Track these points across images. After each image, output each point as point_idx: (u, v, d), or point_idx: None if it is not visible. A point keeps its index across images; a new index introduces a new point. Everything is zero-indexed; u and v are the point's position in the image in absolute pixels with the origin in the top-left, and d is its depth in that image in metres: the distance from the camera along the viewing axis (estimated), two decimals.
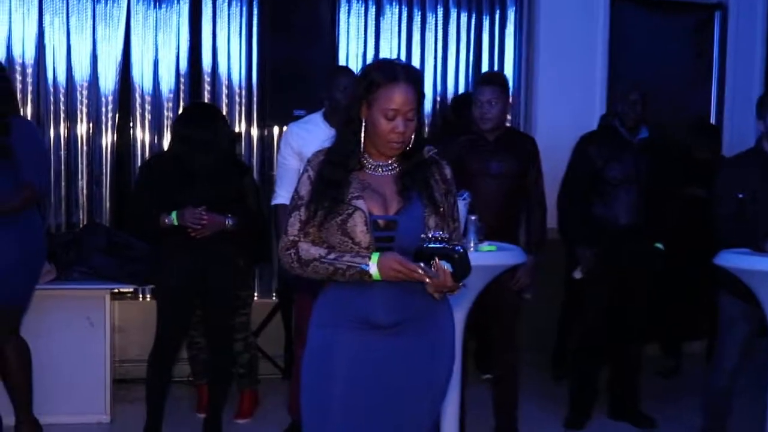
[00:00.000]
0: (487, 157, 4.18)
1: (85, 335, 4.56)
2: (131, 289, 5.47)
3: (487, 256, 3.64)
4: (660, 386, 5.56)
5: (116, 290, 4.80)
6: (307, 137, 4.02)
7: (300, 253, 2.47)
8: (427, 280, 2.36)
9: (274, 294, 5.79)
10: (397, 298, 2.44)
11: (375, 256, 2.41)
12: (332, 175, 2.47)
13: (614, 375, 4.90)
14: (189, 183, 4.00)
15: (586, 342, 4.76)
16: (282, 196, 4.18)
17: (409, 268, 2.38)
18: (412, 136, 2.49)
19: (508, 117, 4.49)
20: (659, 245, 4.62)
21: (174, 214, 3.95)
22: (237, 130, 5.66)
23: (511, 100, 4.44)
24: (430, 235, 2.41)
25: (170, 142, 4.19)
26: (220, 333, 4.22)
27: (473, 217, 3.77)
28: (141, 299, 5.54)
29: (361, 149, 2.52)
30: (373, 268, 2.40)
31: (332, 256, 2.43)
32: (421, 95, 2.49)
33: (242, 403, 4.77)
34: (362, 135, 2.50)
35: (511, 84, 5.50)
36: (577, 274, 4.66)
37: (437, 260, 2.37)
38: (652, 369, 5.71)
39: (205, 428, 4.30)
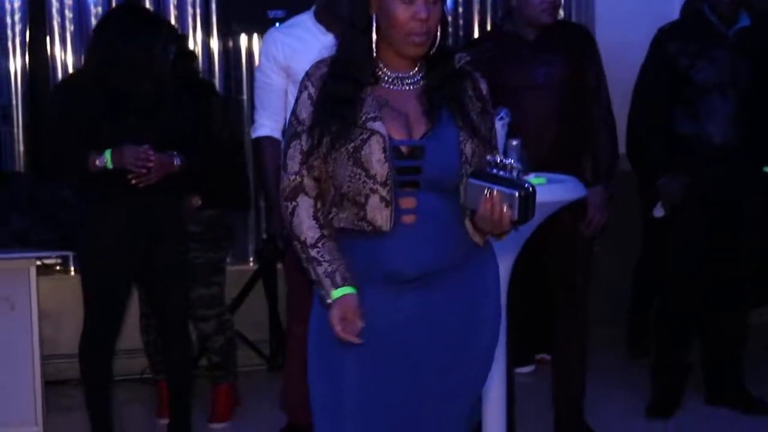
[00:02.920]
0: (527, 62, 4.26)
1: (3, 323, 4.68)
2: (60, 261, 5.63)
3: (538, 190, 3.76)
4: None
5: (43, 262, 4.92)
6: (297, 46, 4.13)
7: (295, 216, 2.63)
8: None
9: (252, 258, 5.97)
10: (427, 242, 2.57)
11: (339, 291, 2.57)
12: (340, 90, 2.58)
13: (711, 349, 5.07)
14: (118, 114, 4.09)
15: (672, 306, 4.93)
16: (265, 126, 4.32)
17: (352, 328, 2.55)
18: (438, 30, 2.61)
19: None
20: None
21: (108, 154, 4.06)
22: (191, 45, 5.76)
23: None
24: (498, 160, 2.54)
25: (88, 58, 4.28)
26: (172, 313, 4.39)
27: (515, 142, 3.90)
28: (74, 274, 5.69)
29: (374, 56, 2.63)
30: (333, 297, 2.58)
31: (315, 252, 2.59)
32: None
33: (217, 402, 4.96)
34: (374, 36, 2.61)
35: None
36: (658, 212, 4.80)
37: (495, 191, 2.51)
38: (762, 341, 5.89)
39: None
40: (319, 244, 2.61)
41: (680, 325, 4.96)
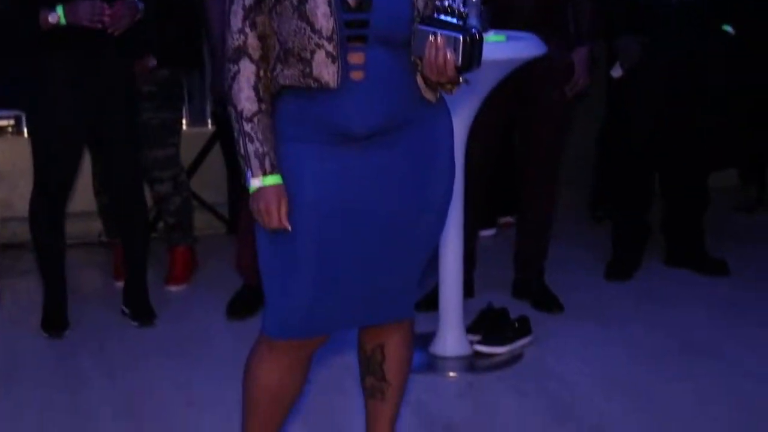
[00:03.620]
0: None
1: None
2: (12, 122, 5.56)
3: (496, 48, 3.72)
4: (735, 224, 5.78)
5: None
6: None
7: (235, 83, 2.54)
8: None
9: (209, 120, 5.90)
10: (377, 100, 2.50)
11: (269, 179, 2.51)
12: None
13: (671, 211, 5.10)
14: None
15: (632, 167, 4.93)
16: None
17: (280, 219, 2.49)
18: None
19: None
20: (728, 28, 4.70)
21: (60, 10, 3.95)
22: None
23: None
24: (446, 4, 2.46)
25: None
26: (123, 174, 4.32)
27: None
28: (27, 134, 5.61)
29: None
30: (254, 184, 2.51)
31: (249, 127, 2.52)
32: None
33: (174, 264, 4.94)
34: None
35: None
36: (616, 72, 4.76)
37: (439, 35, 2.44)
38: (727, 202, 5.92)
39: (125, 298, 4.49)
40: (255, 119, 2.54)
41: (640, 186, 4.97)
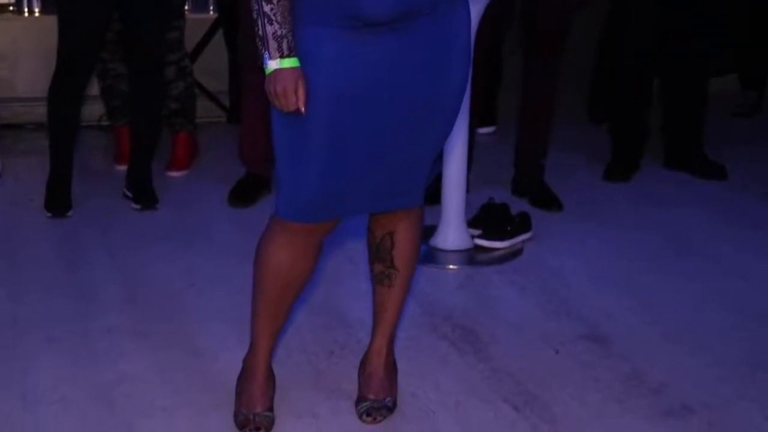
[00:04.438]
0: None
1: None
2: (13, 0, 5.51)
3: None
4: (734, 127, 5.80)
5: None
6: None
7: None
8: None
9: (212, 6, 5.85)
10: None
11: (287, 62, 2.49)
12: None
13: (671, 113, 5.10)
14: None
15: (632, 68, 4.92)
16: None
17: (298, 96, 2.48)
18: None
19: None
20: None
21: None
22: None
23: None
24: None
25: None
26: (148, 49, 4.31)
27: None
28: (28, 14, 5.57)
29: None
30: (272, 65, 2.49)
31: (268, 8, 2.47)
32: None
33: (176, 150, 4.94)
34: None
35: None
36: None
37: None
38: (726, 106, 5.92)
39: (128, 181, 4.50)
40: (274, 1, 2.51)
41: (640, 87, 4.97)
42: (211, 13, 5.77)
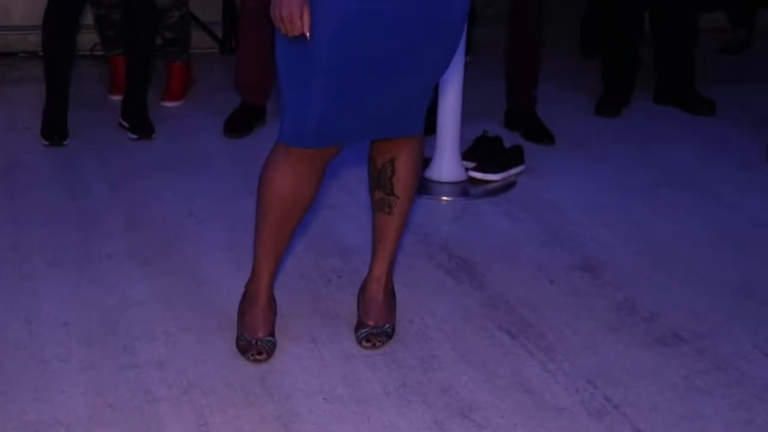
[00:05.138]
0: None
1: None
2: None
3: None
4: (723, 64, 5.83)
5: None
6: None
7: None
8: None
9: None
10: None
11: None
12: None
13: (661, 48, 5.12)
14: None
15: (623, 2, 4.95)
16: None
17: (303, 21, 2.49)
18: None
19: None
20: None
21: None
22: None
23: None
24: None
25: None
26: None
27: None
28: None
29: None
30: None
31: None
32: None
33: (171, 80, 4.93)
34: None
35: None
36: None
37: None
38: (715, 43, 5.95)
39: (124, 111, 4.50)
40: None
41: (629, 21, 5.01)
42: None
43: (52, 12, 4.25)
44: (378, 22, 2.56)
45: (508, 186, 4.08)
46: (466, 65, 5.48)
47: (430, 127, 4.05)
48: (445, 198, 3.98)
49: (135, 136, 4.42)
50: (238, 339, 2.86)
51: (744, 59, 6.02)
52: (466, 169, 4.10)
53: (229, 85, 4.74)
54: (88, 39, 5.27)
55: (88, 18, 5.01)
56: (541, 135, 4.55)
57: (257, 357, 2.80)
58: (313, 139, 2.66)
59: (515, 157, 4.18)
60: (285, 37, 2.57)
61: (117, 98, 4.72)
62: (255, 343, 2.82)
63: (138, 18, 4.40)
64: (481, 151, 4.16)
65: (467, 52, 5.55)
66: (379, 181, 2.87)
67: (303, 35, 2.53)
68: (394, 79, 2.64)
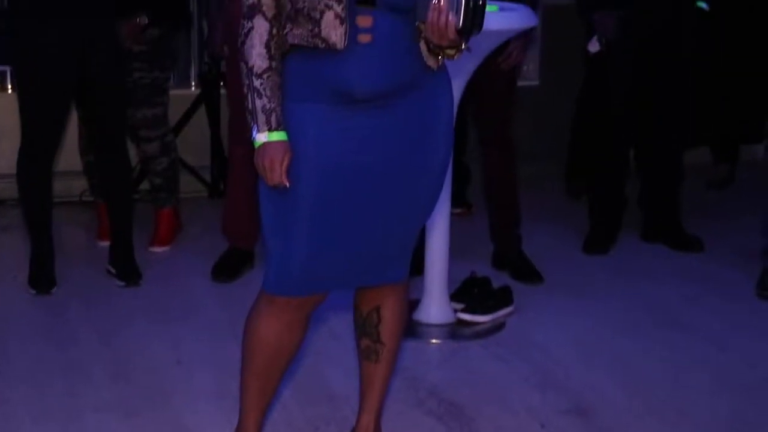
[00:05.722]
0: None
1: None
2: None
3: (488, 18, 3.73)
4: (709, 200, 5.87)
5: None
6: None
7: (248, 39, 2.58)
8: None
9: (194, 83, 5.90)
10: (382, 63, 2.56)
11: (275, 135, 2.57)
12: None
13: (648, 186, 5.17)
14: None
15: (608, 141, 5.00)
16: None
17: (281, 173, 2.54)
18: None
19: None
20: (702, 5, 4.78)
21: None
22: None
23: None
24: None
25: None
26: (109, 131, 4.34)
27: None
28: (11, 91, 5.60)
29: None
30: (260, 139, 2.58)
31: (258, 83, 2.56)
32: None
33: (159, 226, 4.95)
34: None
35: None
36: (593, 47, 4.82)
37: None
38: (699, 179, 6.00)
39: (111, 258, 4.51)
40: (264, 76, 2.59)
41: (615, 160, 5.05)
42: (193, 89, 5.82)
43: (23, 163, 4.29)
44: (360, 171, 2.60)
45: (497, 327, 4.07)
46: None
47: (418, 267, 4.07)
48: (433, 340, 3.96)
49: (122, 283, 4.42)
50: None
51: (729, 194, 6.07)
52: (455, 311, 4.09)
53: (218, 229, 4.76)
54: (77, 185, 5.32)
55: (78, 164, 5.05)
56: (530, 275, 4.56)
57: None
58: (296, 287, 2.66)
59: (504, 297, 4.19)
60: (268, 186, 2.61)
61: (105, 244, 4.73)
62: None
63: (113, 174, 4.44)
64: (469, 293, 4.16)
65: (456, 204, 5.61)
66: (365, 329, 2.87)
67: (282, 184, 2.57)
68: (377, 226, 2.67)
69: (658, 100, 4.95)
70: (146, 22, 4.55)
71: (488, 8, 3.77)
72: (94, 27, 4.16)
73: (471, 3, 2.47)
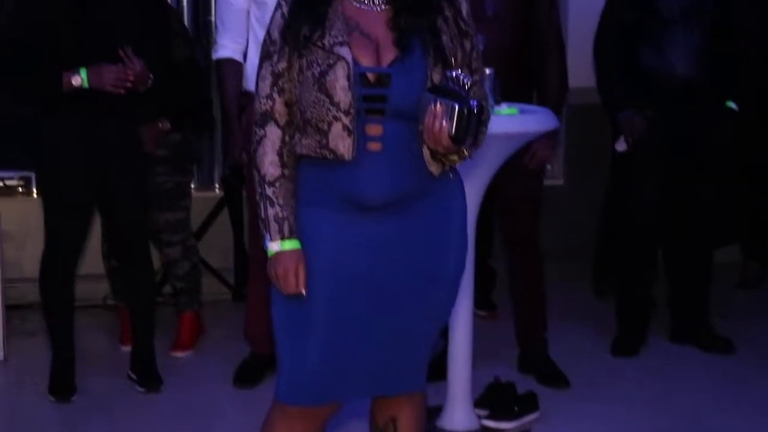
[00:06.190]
0: None
1: None
2: (22, 182, 5.59)
3: (507, 121, 3.75)
4: (739, 300, 5.79)
5: (5, 183, 4.89)
6: None
7: (261, 146, 2.60)
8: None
9: (217, 185, 5.93)
10: (392, 171, 2.56)
11: (287, 244, 2.57)
12: (308, 7, 2.54)
13: (676, 286, 5.10)
14: (82, 17, 4.01)
15: (635, 241, 4.95)
16: (227, 47, 4.28)
17: (299, 280, 2.54)
18: None
19: None
20: (732, 105, 4.76)
21: (84, 73, 3.99)
22: None
23: None
24: (454, 74, 2.51)
25: None
26: (131, 237, 4.35)
27: (488, 71, 3.86)
28: (37, 195, 5.62)
29: None
30: (273, 248, 2.58)
31: (270, 191, 2.57)
32: None
33: (181, 330, 4.94)
34: None
35: None
36: (620, 146, 4.80)
37: (439, 102, 2.47)
38: (729, 278, 5.93)
39: (132, 364, 4.48)
40: (277, 184, 2.59)
41: (643, 261, 4.99)
42: (217, 191, 5.85)
43: (46, 268, 4.30)
44: (372, 277, 2.59)
45: None
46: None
47: (441, 371, 4.01)
48: None
49: (143, 390, 4.38)
50: None
51: (760, 293, 5.98)
52: (479, 418, 4.02)
53: (241, 333, 4.73)
54: (100, 289, 5.32)
55: (101, 268, 5.05)
56: (556, 379, 4.48)
57: None
58: (309, 396, 2.63)
59: (529, 403, 4.11)
60: (281, 294, 2.59)
61: (128, 348, 4.70)
62: None
63: (136, 280, 4.43)
64: (493, 399, 4.09)
65: (481, 307, 5.56)
66: None
67: (299, 293, 2.54)
68: (391, 333, 2.64)
69: (687, 200, 4.91)
70: (168, 126, 4.59)
71: (509, 111, 3.83)
72: (117, 131, 4.18)
73: (465, 110, 2.46)
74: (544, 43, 4.42)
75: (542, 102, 4.41)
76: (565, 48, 4.53)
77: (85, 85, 3.99)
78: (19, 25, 4.05)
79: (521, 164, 4.31)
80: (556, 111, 4.29)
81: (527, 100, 4.35)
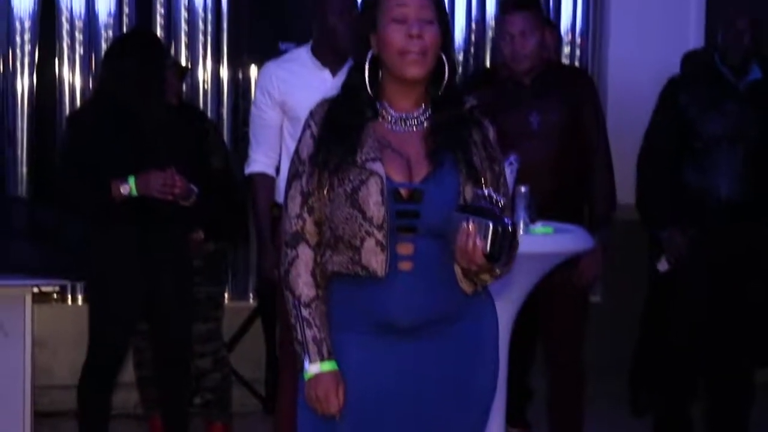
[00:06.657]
0: (524, 108, 4.28)
1: None
2: (57, 289, 5.61)
3: (542, 240, 3.75)
4: None
5: (39, 289, 4.90)
6: (292, 81, 4.11)
7: (294, 268, 2.61)
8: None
9: (251, 295, 5.93)
10: (423, 292, 2.55)
11: (327, 365, 2.57)
12: (340, 129, 2.58)
13: (716, 407, 5.00)
14: (132, 137, 4.13)
15: (675, 361, 4.88)
16: (258, 161, 4.32)
17: (339, 400, 2.54)
18: (439, 56, 2.59)
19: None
20: None
21: (132, 181, 4.07)
22: (189, 66, 5.73)
23: (564, 34, 4.54)
24: (486, 193, 2.54)
25: (101, 81, 4.34)
26: (177, 346, 4.38)
27: (523, 189, 3.88)
28: (71, 303, 5.67)
29: (375, 93, 2.62)
30: (312, 370, 2.57)
31: (307, 312, 2.58)
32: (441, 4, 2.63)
33: None
34: (368, 71, 2.61)
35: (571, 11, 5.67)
36: (662, 266, 4.76)
37: (471, 221, 2.47)
38: None
39: None
40: (312, 305, 2.60)
41: (684, 381, 4.91)
42: (251, 301, 5.84)
43: (87, 376, 4.32)
44: (399, 399, 2.58)
45: None
46: None
47: None
48: None
49: None
50: None
51: None
52: None
53: None
54: (131, 397, 5.29)
55: (130, 376, 5.03)
56: None
57: None
58: None
59: None
60: (309, 413, 2.56)
61: None
62: None
63: (174, 388, 4.44)
64: None
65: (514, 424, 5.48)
66: None
67: (336, 414, 2.53)
68: None
69: (730, 322, 4.82)
70: (202, 237, 4.61)
71: (544, 230, 3.83)
72: (169, 243, 4.25)
73: (500, 228, 2.46)
74: (592, 159, 4.42)
75: (592, 218, 4.41)
76: (612, 165, 4.51)
77: (134, 192, 4.06)
78: (72, 167, 4.20)
79: (568, 284, 4.28)
80: (603, 232, 4.32)
81: (575, 214, 4.34)
